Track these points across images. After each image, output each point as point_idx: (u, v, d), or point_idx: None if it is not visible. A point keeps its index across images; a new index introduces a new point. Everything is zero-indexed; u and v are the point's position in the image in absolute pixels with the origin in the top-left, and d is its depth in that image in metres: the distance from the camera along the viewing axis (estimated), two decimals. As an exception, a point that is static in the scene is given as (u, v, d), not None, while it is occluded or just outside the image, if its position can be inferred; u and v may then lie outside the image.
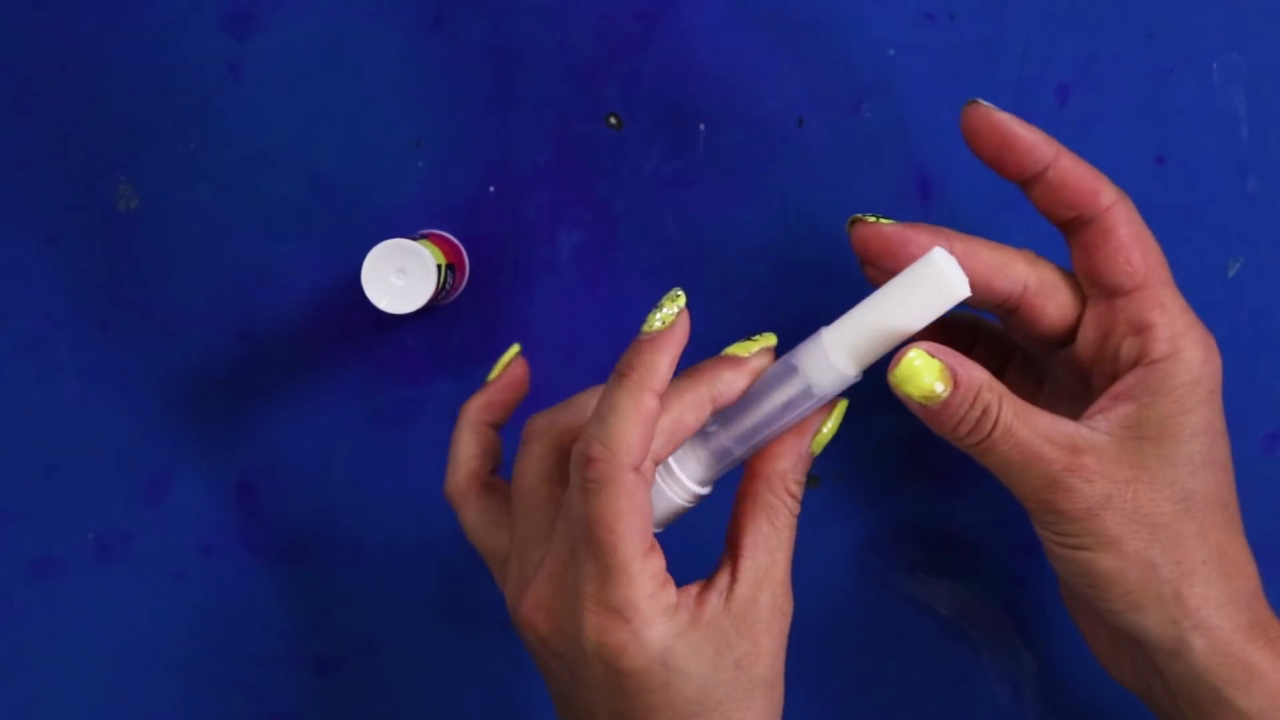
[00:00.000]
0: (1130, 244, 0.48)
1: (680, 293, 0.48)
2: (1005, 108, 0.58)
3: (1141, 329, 0.48)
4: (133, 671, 0.62)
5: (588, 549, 0.46)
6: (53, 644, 0.62)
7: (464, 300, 0.60)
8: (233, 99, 0.60)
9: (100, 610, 0.62)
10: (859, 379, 0.48)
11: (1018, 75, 0.58)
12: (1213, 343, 0.48)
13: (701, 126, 0.59)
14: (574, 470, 0.47)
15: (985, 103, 0.49)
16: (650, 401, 0.47)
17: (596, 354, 0.59)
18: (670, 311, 0.47)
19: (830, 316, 0.60)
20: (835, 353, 0.47)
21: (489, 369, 0.55)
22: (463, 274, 0.59)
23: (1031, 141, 0.48)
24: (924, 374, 0.46)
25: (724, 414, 0.49)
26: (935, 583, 0.60)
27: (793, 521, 0.49)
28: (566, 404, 0.52)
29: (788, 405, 0.48)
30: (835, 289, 0.58)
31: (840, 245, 0.59)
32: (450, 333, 0.60)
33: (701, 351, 0.61)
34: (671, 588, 0.48)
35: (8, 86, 0.61)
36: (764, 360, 0.49)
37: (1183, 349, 0.47)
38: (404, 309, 0.55)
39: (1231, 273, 0.58)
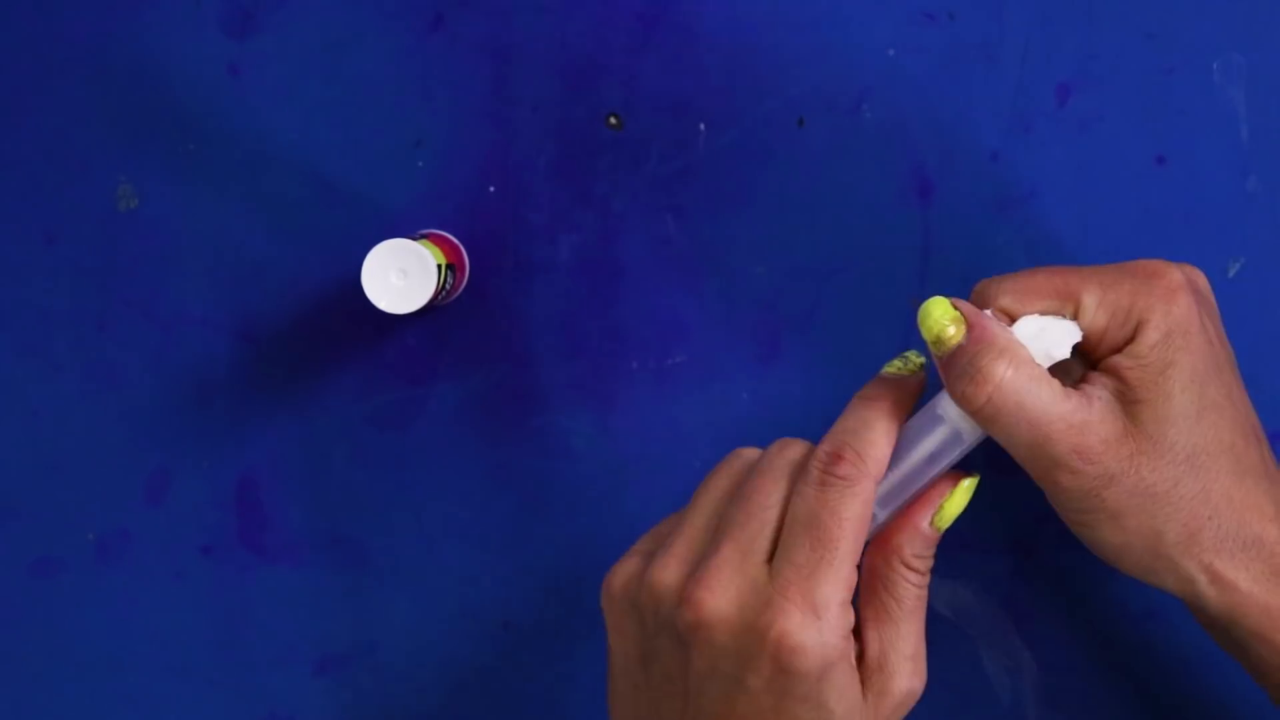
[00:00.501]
0: (1035, 290, 0.49)
1: (922, 358, 0.49)
2: (1005, 108, 0.58)
3: (1101, 331, 0.48)
4: (133, 671, 0.61)
5: (807, 538, 0.46)
6: (53, 644, 0.62)
7: (464, 300, 0.60)
8: (233, 99, 0.60)
9: (100, 610, 0.61)
10: None
11: (1018, 75, 0.58)
12: (1175, 281, 0.48)
13: (701, 126, 0.59)
14: (815, 465, 0.47)
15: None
16: (895, 432, 0.48)
17: (596, 354, 0.59)
18: (915, 364, 0.49)
19: (830, 318, 0.60)
20: None
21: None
22: (463, 274, 0.59)
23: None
24: (937, 321, 0.47)
25: None
26: (935, 583, 0.59)
27: (916, 594, 0.49)
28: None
29: (932, 457, 0.48)
30: (835, 289, 0.58)
31: (840, 245, 0.59)
32: (450, 333, 0.60)
33: (696, 355, 0.61)
34: (853, 616, 0.47)
35: (8, 86, 0.61)
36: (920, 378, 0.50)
37: (1145, 316, 0.48)
38: (404, 309, 0.55)
39: (1231, 273, 0.57)
